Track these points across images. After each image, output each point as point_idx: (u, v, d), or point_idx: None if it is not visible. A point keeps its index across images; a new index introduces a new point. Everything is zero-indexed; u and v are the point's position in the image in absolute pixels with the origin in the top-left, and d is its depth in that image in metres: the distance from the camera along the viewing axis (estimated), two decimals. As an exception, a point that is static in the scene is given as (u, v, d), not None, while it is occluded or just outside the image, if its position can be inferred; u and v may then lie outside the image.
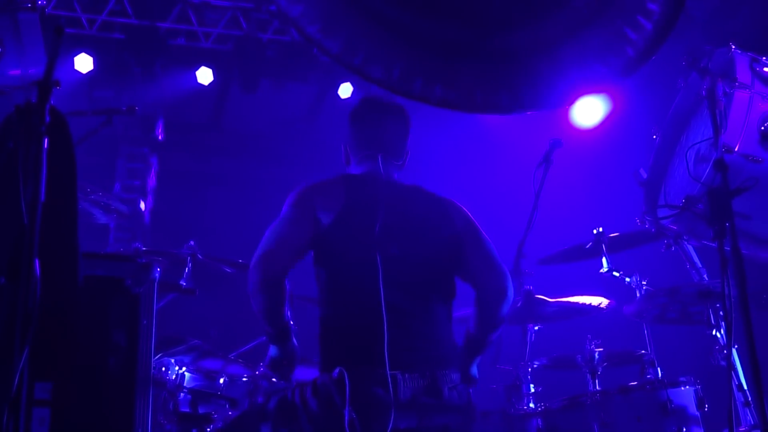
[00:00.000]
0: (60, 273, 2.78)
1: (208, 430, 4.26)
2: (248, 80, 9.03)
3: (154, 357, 3.33)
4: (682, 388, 4.40)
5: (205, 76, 8.93)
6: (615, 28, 3.02)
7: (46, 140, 2.56)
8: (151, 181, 9.32)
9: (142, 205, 9.05)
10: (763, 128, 3.54)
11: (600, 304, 4.88)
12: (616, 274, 5.07)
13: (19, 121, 2.69)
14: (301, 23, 2.85)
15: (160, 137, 9.57)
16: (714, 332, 4.42)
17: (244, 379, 4.50)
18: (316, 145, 9.25)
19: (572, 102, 3.18)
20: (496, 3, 3.05)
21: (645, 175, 4.23)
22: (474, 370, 3.53)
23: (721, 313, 4.40)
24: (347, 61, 2.92)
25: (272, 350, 3.43)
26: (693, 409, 4.37)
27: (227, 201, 9.84)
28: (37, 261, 2.46)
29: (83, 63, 8.38)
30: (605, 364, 4.81)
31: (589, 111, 8.39)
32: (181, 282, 4.89)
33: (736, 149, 3.54)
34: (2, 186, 2.70)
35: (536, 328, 5.04)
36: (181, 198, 9.50)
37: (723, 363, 4.33)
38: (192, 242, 5.11)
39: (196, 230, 8.54)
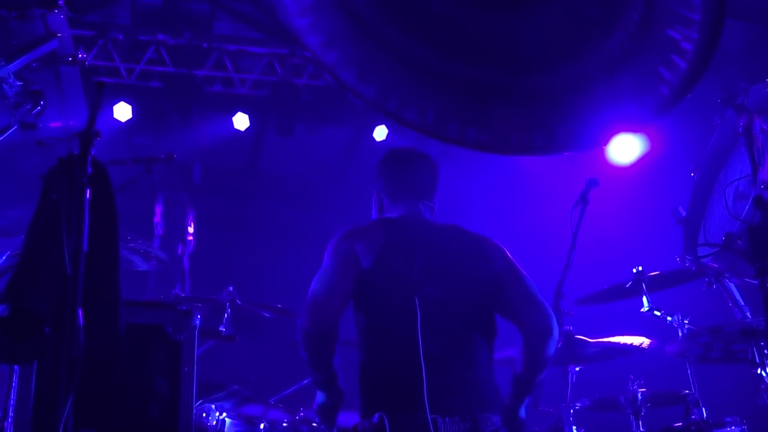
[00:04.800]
0: (103, 322, 2.81)
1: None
2: (284, 125, 9.13)
3: (195, 403, 3.34)
4: (728, 429, 4.34)
5: (241, 121, 9.03)
6: (649, 67, 3.01)
7: (88, 191, 2.61)
8: (189, 226, 9.41)
9: (181, 251, 9.13)
10: (801, 164, 3.52)
11: (642, 344, 4.83)
12: (657, 313, 5.02)
13: (61, 172, 2.74)
14: (336, 70, 2.88)
15: (197, 182, 9.68)
16: (759, 371, 4.34)
17: (285, 424, 4.50)
18: (352, 188, 9.30)
19: (607, 143, 3.17)
20: (528, 44, 3.06)
21: (684, 213, 4.20)
22: (522, 412, 3.50)
23: (765, 351, 4.33)
24: (382, 106, 2.94)
25: (320, 396, 3.43)
26: (740, 449, 4.30)
27: (264, 245, 9.90)
28: (80, 310, 2.48)
29: (122, 111, 8.52)
30: (649, 404, 4.75)
31: (625, 148, 8.35)
32: (220, 328, 4.92)
33: (775, 186, 3.51)
34: (46, 237, 2.74)
35: (577, 369, 4.98)
36: (218, 242, 9.58)
37: (769, 402, 4.26)
38: (231, 288, 5.15)
39: (233, 274, 8.59)
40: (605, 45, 3.04)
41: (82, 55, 3.34)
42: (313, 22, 2.87)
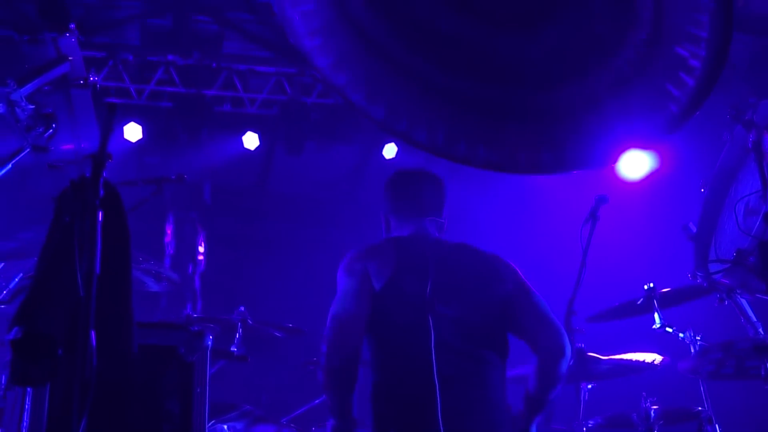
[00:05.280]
0: (115, 343, 2.82)
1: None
2: (293, 143, 9.15)
3: (207, 424, 3.34)
4: (742, 446, 4.31)
5: (251, 141, 9.06)
6: (657, 85, 3.02)
7: (100, 213, 2.62)
8: (200, 245, 9.43)
9: (192, 270, 9.15)
10: (812, 178, 3.51)
11: (654, 360, 4.81)
12: (669, 329, 5.00)
13: (74, 195, 2.75)
14: (346, 92, 2.90)
15: (207, 202, 9.71)
16: (773, 387, 4.32)
17: (297, 444, 4.49)
18: (362, 206, 9.31)
19: (616, 161, 3.17)
20: (536, 62, 3.08)
21: (694, 230, 4.19)
22: (533, 429, 3.49)
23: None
24: (392, 126, 2.96)
25: (333, 422, 3.42)
26: (754, 466, 4.27)
27: (274, 263, 9.91)
28: (93, 332, 2.49)
29: (132, 132, 8.57)
30: (662, 422, 4.73)
31: (635, 164, 8.34)
32: (232, 348, 4.92)
33: (786, 201, 3.51)
34: (59, 259, 2.75)
35: (589, 386, 4.97)
36: (229, 261, 9.60)
37: (783, 418, 4.24)
38: (242, 308, 5.15)
39: (244, 293, 8.62)
40: (613, 63, 3.05)
41: (94, 78, 3.37)
42: (322, 43, 2.89)
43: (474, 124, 3.03)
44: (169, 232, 9.36)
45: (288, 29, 2.85)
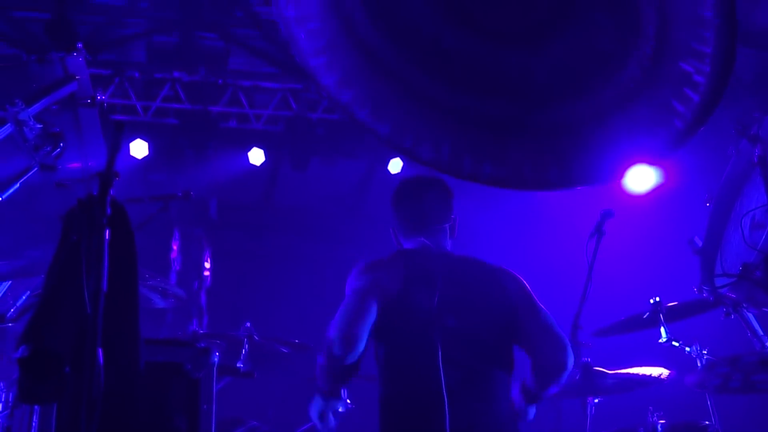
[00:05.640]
0: (122, 361, 2.83)
1: None
2: (299, 159, 9.16)
3: (214, 440, 3.35)
4: (750, 460, 4.29)
5: (257, 157, 9.07)
6: (662, 100, 3.03)
7: (107, 232, 2.63)
8: (206, 261, 9.44)
9: (198, 286, 9.16)
10: (817, 192, 3.52)
11: (660, 375, 4.80)
12: (675, 344, 4.99)
13: (81, 213, 2.76)
14: (352, 108, 2.92)
15: (213, 218, 9.72)
16: (780, 402, 4.32)
17: (303, 459, 4.49)
18: (367, 221, 9.32)
19: (621, 176, 3.19)
20: (541, 78, 3.09)
21: (700, 244, 4.19)
22: (532, 410, 3.52)
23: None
24: (397, 143, 2.98)
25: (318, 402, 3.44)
26: (762, 480, 4.26)
27: (281, 278, 9.92)
28: (100, 350, 2.50)
29: (139, 149, 8.58)
30: (669, 436, 4.72)
31: (641, 178, 8.33)
32: (238, 364, 4.93)
33: (792, 215, 3.52)
34: (66, 277, 2.76)
35: (596, 400, 4.95)
36: (235, 277, 9.60)
37: (791, 432, 4.22)
38: (248, 323, 5.16)
39: (250, 308, 8.62)
40: (618, 78, 3.07)
41: (101, 97, 3.39)
42: (328, 61, 2.91)
43: (479, 141, 3.04)
44: (175, 248, 9.37)
45: (294, 47, 2.88)
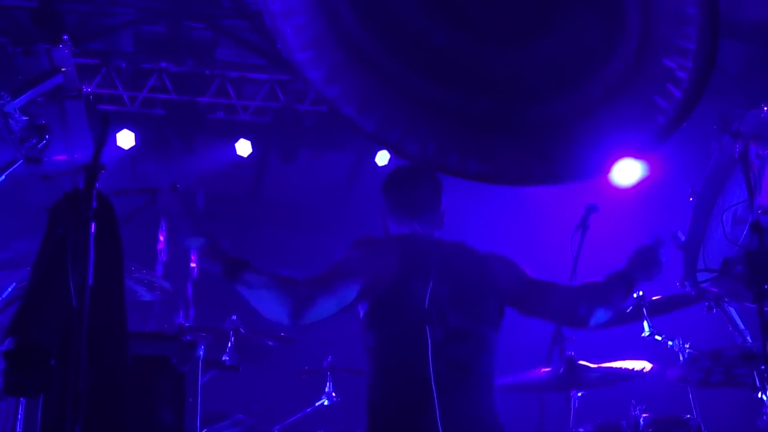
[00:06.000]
0: (108, 354, 2.84)
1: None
2: (287, 151, 9.15)
3: (200, 433, 3.36)
4: (731, 453, 4.33)
5: (244, 148, 9.05)
6: (645, 96, 3.06)
7: (93, 225, 2.64)
8: (193, 252, 9.42)
9: (184, 277, 9.15)
10: (799, 188, 3.55)
11: (643, 368, 4.83)
12: (658, 337, 5.02)
13: (67, 207, 2.77)
14: (338, 103, 2.93)
15: (200, 209, 9.71)
16: (760, 395, 4.34)
17: (289, 451, 4.51)
18: (355, 213, 9.32)
19: (606, 172, 3.21)
20: (527, 75, 3.12)
21: (683, 238, 4.22)
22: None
23: (766, 375, 4.33)
24: (383, 138, 3.00)
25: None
26: (742, 473, 4.30)
27: (267, 268, 9.89)
28: (85, 343, 2.51)
29: (125, 139, 8.54)
30: (651, 430, 4.73)
31: (626, 171, 8.34)
32: (224, 357, 4.94)
33: (773, 210, 3.55)
34: (52, 270, 2.77)
35: (579, 394, 4.97)
36: (222, 268, 9.57)
37: (771, 425, 4.26)
38: (234, 317, 5.17)
39: (237, 300, 8.61)
40: (603, 75, 3.10)
41: (87, 89, 3.39)
42: (314, 55, 2.92)
43: (465, 137, 3.06)
44: (161, 239, 9.34)
45: (280, 42, 2.89)
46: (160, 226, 9.21)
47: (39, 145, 3.27)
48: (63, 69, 3.33)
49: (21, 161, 3.26)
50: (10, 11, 8.10)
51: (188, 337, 3.44)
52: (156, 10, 8.42)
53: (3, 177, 3.17)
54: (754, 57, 8.91)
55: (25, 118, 3.21)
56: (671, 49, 2.98)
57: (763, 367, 4.36)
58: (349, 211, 9.91)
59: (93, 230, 2.64)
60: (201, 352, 3.40)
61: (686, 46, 2.94)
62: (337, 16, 2.92)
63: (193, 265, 9.12)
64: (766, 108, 3.76)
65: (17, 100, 3.16)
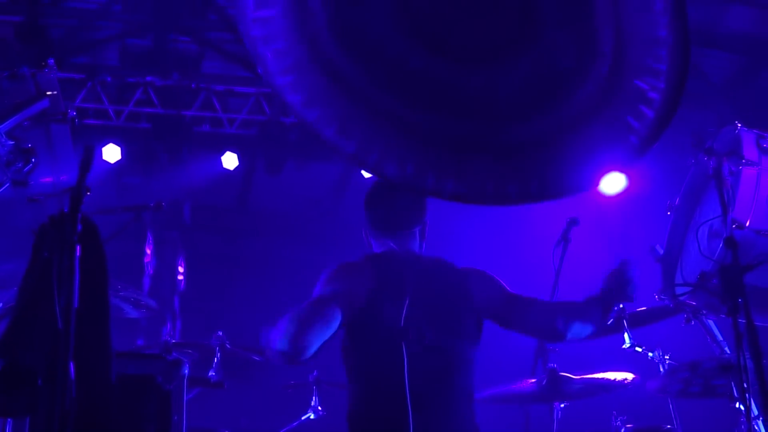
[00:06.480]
0: (94, 374, 2.88)
1: None
2: (273, 163, 9.20)
3: (186, 450, 3.41)
4: (710, 462, 4.39)
5: (230, 161, 9.08)
6: (618, 117, 3.12)
7: (78, 248, 2.68)
8: (180, 265, 9.45)
9: (171, 290, 9.18)
10: (772, 203, 3.63)
11: (625, 379, 4.89)
12: (638, 349, 5.08)
13: (52, 230, 2.82)
14: (318, 127, 2.99)
15: (187, 222, 9.74)
16: (738, 405, 4.41)
17: (275, 467, 4.54)
18: (342, 224, 9.36)
19: (580, 191, 3.27)
20: (501, 97, 3.18)
21: (661, 251, 4.28)
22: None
23: (745, 385, 4.39)
24: (362, 159, 3.05)
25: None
26: (722, 482, 4.35)
27: (255, 281, 9.91)
28: (72, 364, 2.56)
29: (111, 153, 8.53)
30: (632, 440, 4.81)
31: (609, 181, 8.36)
32: (210, 372, 4.98)
33: (747, 224, 3.63)
34: (38, 293, 2.82)
35: (562, 405, 5.03)
36: (209, 280, 9.61)
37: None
38: (220, 332, 5.21)
39: (225, 311, 8.67)
40: (577, 97, 3.16)
41: (72, 113, 3.43)
42: (294, 80, 2.98)
43: (443, 158, 3.12)
44: (148, 252, 9.37)
45: (260, 67, 2.95)
46: (147, 239, 9.27)
47: (25, 169, 3.31)
48: (49, 93, 3.37)
49: (7, 185, 3.30)
50: (-6, 25, 8.11)
51: (174, 356, 3.48)
52: (141, 24, 8.43)
53: (-10, 200, 3.22)
54: (739, 67, 9.00)
55: (11, 142, 3.25)
56: (643, 70, 3.05)
57: (741, 378, 4.43)
58: (337, 223, 9.96)
59: (78, 253, 2.69)
60: (186, 371, 3.45)
61: (658, 67, 3.00)
62: (317, 41, 2.98)
63: (180, 277, 9.17)
64: (740, 125, 3.85)
65: (3, 125, 3.20)
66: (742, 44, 8.68)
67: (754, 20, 8.41)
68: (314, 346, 3.22)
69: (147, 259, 9.16)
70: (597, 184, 3.36)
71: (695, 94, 8.46)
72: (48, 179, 3.49)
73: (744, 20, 8.44)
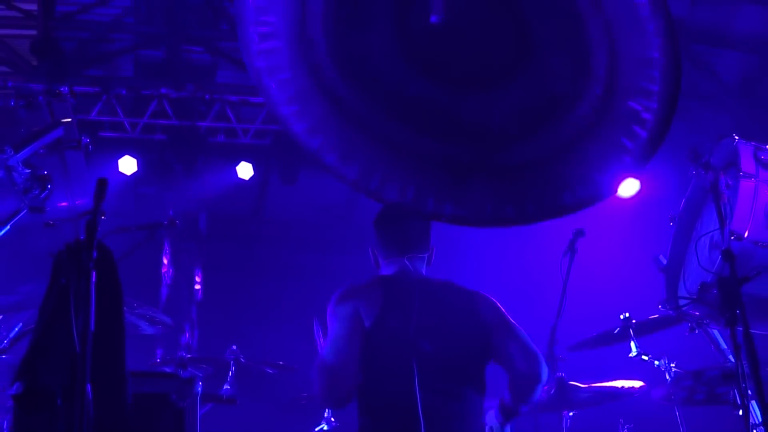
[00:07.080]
0: (110, 394, 2.99)
1: None
2: (287, 172, 9.22)
3: (200, 465, 3.50)
4: (716, 469, 4.42)
5: (245, 171, 9.12)
6: (612, 138, 3.20)
7: (94, 274, 2.79)
8: (197, 275, 9.54)
9: (189, 300, 9.27)
10: (770, 214, 3.68)
11: (632, 387, 4.92)
12: (645, 357, 5.11)
13: (69, 257, 2.93)
14: (321, 154, 3.08)
15: (203, 232, 9.82)
16: (740, 413, 4.44)
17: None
18: (356, 230, 9.40)
19: (576, 211, 3.35)
20: (498, 123, 3.26)
21: (665, 262, 4.33)
22: (507, 429, 3.68)
23: (749, 392, 4.43)
24: (364, 185, 3.14)
25: None
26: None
27: (272, 289, 9.93)
28: (89, 386, 2.66)
29: (127, 165, 8.57)
30: (638, 447, 4.84)
31: (623, 185, 8.30)
32: (225, 386, 5.05)
33: (745, 236, 3.68)
34: (56, 318, 2.93)
35: (570, 414, 5.07)
36: (226, 289, 9.66)
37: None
38: (234, 346, 5.29)
39: (242, 320, 8.75)
40: (572, 119, 3.24)
41: (86, 140, 3.53)
42: (298, 110, 3.08)
43: (442, 182, 3.20)
44: (165, 262, 9.46)
45: (265, 96, 3.05)
46: (164, 249, 9.37)
47: (41, 195, 3.39)
48: (63, 121, 3.47)
49: (25, 211, 3.39)
50: (10, 41, 8.22)
51: (188, 372, 3.57)
52: (154, 35, 8.48)
53: (8, 227, 3.31)
54: (751, 67, 8.97)
55: (27, 170, 3.34)
56: (636, 91, 3.13)
57: (744, 386, 4.47)
58: (351, 230, 9.99)
59: (94, 279, 2.79)
60: (199, 388, 3.53)
61: (651, 88, 3.09)
62: (320, 72, 3.07)
63: (197, 287, 9.27)
64: (737, 138, 3.90)
65: (20, 154, 3.29)
66: (754, 44, 8.65)
67: (765, 20, 8.39)
68: (351, 388, 3.44)
69: (164, 270, 9.26)
70: (590, 205, 3.42)
71: (708, 94, 8.47)
72: (64, 204, 3.59)
73: (756, 20, 8.41)
